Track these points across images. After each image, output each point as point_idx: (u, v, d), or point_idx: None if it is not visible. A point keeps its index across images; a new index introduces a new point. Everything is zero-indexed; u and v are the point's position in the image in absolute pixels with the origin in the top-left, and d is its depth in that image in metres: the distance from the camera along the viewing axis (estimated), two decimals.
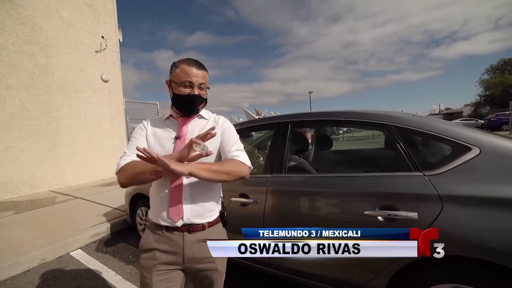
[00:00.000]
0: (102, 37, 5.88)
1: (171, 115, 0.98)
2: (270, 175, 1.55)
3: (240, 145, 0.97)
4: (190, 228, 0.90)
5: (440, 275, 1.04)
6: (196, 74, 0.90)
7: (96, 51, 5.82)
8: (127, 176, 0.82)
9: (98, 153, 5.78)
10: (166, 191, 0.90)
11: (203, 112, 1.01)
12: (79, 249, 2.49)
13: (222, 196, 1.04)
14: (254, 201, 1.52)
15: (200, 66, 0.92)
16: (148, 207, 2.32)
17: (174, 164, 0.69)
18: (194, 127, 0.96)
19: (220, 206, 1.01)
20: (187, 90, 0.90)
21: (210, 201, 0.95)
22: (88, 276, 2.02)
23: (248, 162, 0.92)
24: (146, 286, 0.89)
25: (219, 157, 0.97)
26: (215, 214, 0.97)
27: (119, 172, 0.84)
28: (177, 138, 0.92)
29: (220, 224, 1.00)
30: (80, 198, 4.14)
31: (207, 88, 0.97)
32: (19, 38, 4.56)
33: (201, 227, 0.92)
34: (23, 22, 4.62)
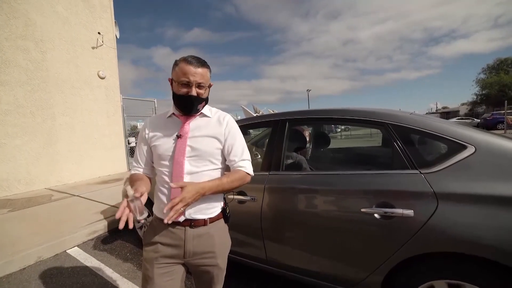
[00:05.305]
0: (99, 33, 5.80)
1: (173, 113, 0.98)
2: (267, 173, 1.55)
3: (247, 152, 0.99)
4: (192, 223, 0.91)
5: (434, 272, 1.05)
6: (194, 73, 0.87)
7: (93, 47, 5.75)
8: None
9: (94, 150, 5.73)
10: (168, 188, 0.91)
11: (206, 110, 0.99)
12: (76, 247, 2.48)
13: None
14: (252, 199, 1.52)
15: (199, 63, 0.89)
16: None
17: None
18: (196, 126, 0.95)
19: (222, 203, 1.01)
20: (184, 90, 0.89)
21: (212, 198, 0.95)
22: (85, 273, 2.01)
23: (252, 171, 0.98)
24: (148, 278, 0.90)
25: (218, 155, 0.96)
26: (217, 210, 0.97)
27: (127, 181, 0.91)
28: (178, 137, 0.92)
29: (222, 221, 1.01)
30: (77, 195, 4.11)
31: (209, 86, 0.95)
32: (13, 33, 4.48)
33: (203, 222, 0.93)
34: (16, 17, 4.53)
